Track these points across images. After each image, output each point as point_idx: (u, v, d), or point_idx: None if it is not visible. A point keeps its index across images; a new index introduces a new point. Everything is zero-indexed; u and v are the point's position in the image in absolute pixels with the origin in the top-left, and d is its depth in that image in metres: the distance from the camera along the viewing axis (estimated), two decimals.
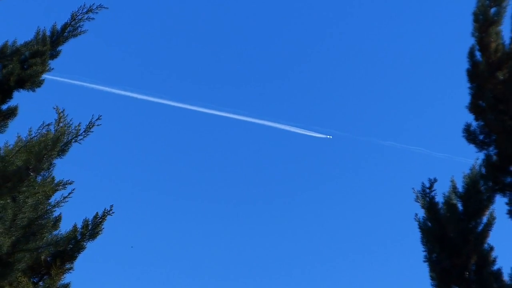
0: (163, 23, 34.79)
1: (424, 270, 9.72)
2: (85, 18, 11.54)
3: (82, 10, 11.53)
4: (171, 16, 34.59)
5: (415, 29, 34.25)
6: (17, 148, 8.95)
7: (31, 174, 8.74)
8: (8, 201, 8.72)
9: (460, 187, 9.90)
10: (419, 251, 9.65)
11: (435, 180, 9.93)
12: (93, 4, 11.53)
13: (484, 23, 9.64)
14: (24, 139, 9.19)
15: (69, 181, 10.11)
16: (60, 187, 10.10)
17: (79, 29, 11.50)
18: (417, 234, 9.80)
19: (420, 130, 33.38)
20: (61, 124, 9.15)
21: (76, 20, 11.50)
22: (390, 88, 33.89)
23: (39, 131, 9.18)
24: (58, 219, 10.28)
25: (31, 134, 9.05)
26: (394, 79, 33.85)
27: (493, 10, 9.69)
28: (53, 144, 8.76)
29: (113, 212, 10.40)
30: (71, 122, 9.36)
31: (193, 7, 34.23)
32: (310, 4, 34.25)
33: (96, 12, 11.56)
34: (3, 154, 9.00)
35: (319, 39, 35.22)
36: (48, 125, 9.31)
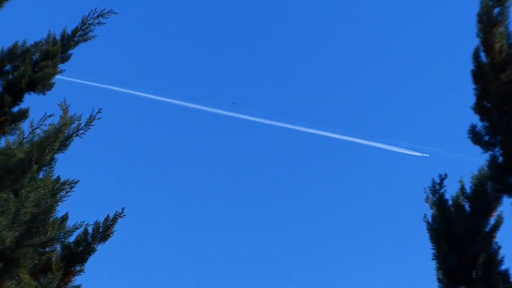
0: (175, 25, 34.72)
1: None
2: (95, 23, 11.34)
3: (92, 15, 11.23)
4: (183, 19, 34.55)
5: (433, 30, 33.95)
6: (19, 141, 8.76)
7: (34, 166, 8.54)
8: (11, 196, 8.50)
9: (468, 187, 9.57)
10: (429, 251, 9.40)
11: (446, 176, 9.56)
12: (104, 9, 11.35)
13: (488, 24, 9.35)
14: (27, 132, 9.00)
15: (75, 180, 9.93)
16: (66, 186, 9.83)
17: (90, 33, 11.29)
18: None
19: (434, 131, 33.01)
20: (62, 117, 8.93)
21: (87, 25, 11.28)
22: (404, 90, 33.62)
23: (41, 122, 8.97)
24: (65, 218, 10.00)
25: (33, 126, 8.85)
26: (407, 82, 33.58)
27: (496, 10, 9.42)
28: (55, 135, 8.55)
29: (124, 215, 9.93)
30: (74, 116, 9.14)
31: (205, 9, 34.16)
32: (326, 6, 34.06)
33: (107, 17, 11.32)
34: (5, 147, 8.81)
35: (322, 39, 34.99)
36: (50, 116, 9.11)
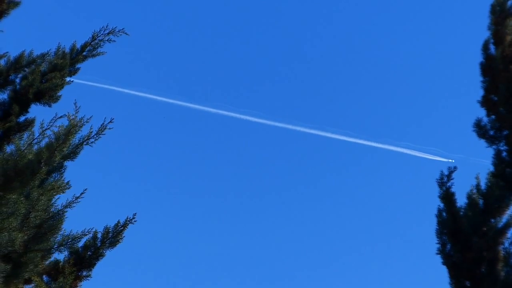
0: (175, 25, 34.56)
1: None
2: (105, 39, 11.27)
3: (103, 31, 11.20)
4: (183, 18, 34.43)
5: (435, 31, 33.80)
6: (29, 142, 8.68)
7: (43, 167, 8.45)
8: (22, 198, 8.39)
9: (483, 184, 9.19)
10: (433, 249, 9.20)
11: (455, 168, 9.23)
12: (115, 27, 11.15)
13: (501, 15, 9.26)
14: (37, 133, 8.92)
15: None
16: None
17: (99, 49, 11.21)
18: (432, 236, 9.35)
19: (435, 130, 32.60)
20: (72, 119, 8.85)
21: (97, 41, 11.22)
22: (404, 90, 33.30)
23: (51, 123, 8.89)
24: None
25: (43, 127, 8.76)
26: (408, 82, 33.32)
27: (510, 3, 9.32)
28: (65, 137, 8.48)
29: (135, 221, 9.77)
30: (83, 118, 9.05)
31: (205, 9, 34.11)
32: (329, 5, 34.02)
33: (118, 36, 11.23)
34: (15, 149, 8.74)
35: (322, 38, 34.82)
36: (60, 117, 9.02)
